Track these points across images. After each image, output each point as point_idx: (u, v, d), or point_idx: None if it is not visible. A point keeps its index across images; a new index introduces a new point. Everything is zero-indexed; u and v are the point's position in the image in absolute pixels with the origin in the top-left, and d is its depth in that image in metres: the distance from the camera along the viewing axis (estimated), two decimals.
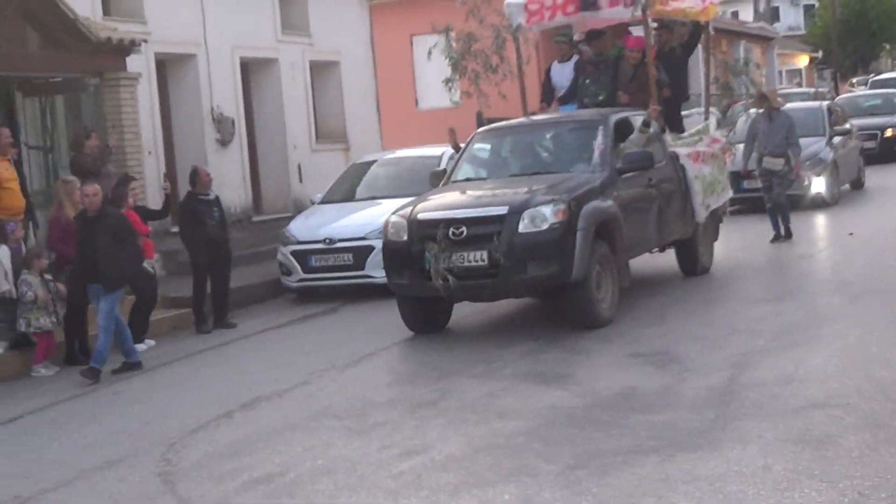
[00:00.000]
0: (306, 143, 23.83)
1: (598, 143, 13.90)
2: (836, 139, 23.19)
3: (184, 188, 17.34)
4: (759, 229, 18.64)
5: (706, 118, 17.62)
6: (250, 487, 8.92)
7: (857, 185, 24.74)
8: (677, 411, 9.75)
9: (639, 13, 15.41)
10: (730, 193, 17.01)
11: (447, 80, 22.23)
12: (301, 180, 23.27)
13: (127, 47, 17.10)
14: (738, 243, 18.01)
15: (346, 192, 19.31)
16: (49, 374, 14.12)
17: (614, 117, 14.50)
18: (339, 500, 8.39)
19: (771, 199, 18.28)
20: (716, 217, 16.36)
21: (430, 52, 23.11)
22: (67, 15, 15.83)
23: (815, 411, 9.31)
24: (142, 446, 10.48)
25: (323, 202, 19.00)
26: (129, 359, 13.73)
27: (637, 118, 14.78)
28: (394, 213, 13.61)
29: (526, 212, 12.40)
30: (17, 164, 15.34)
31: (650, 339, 12.79)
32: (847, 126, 24.80)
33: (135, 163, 17.17)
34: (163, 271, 17.74)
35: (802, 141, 19.80)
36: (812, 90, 43.21)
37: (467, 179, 14.52)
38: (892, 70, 55.15)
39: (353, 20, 25.70)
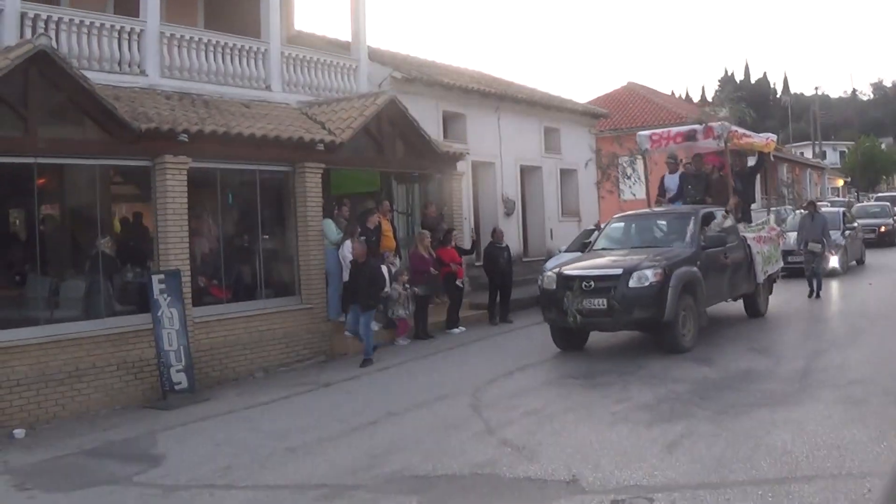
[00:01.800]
0: (555, 216, 23.88)
1: (690, 228, 13.14)
2: (847, 232, 22.65)
3: (485, 239, 17.75)
4: (799, 289, 17.82)
5: (767, 214, 17.08)
6: (525, 416, 9.08)
7: (860, 261, 24.05)
8: (777, 383, 9.83)
9: (722, 145, 14.84)
10: (781, 264, 16.11)
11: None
12: (552, 238, 23.30)
13: (458, 156, 17.53)
14: (784, 297, 17.05)
15: (577, 246, 18.97)
16: (405, 344, 14.55)
17: (702, 211, 13.77)
18: (580, 428, 8.47)
19: (810, 269, 17.38)
20: (771, 279, 15.57)
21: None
22: (424, 137, 16.38)
23: (855, 385, 9.42)
24: (460, 388, 10.74)
25: (565, 251, 18.83)
26: (367, 355, 13.08)
27: (717, 211, 14.11)
28: (549, 270, 13.02)
29: (634, 272, 11.64)
30: (391, 222, 15.97)
31: (757, 340, 12.67)
32: (855, 224, 24.54)
33: (458, 223, 17.49)
34: (469, 287, 17.84)
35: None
36: (846, 199, 45.13)
37: (603, 248, 13.64)
38: (888, 191, 57.70)
39: (584, 145, 25.57)
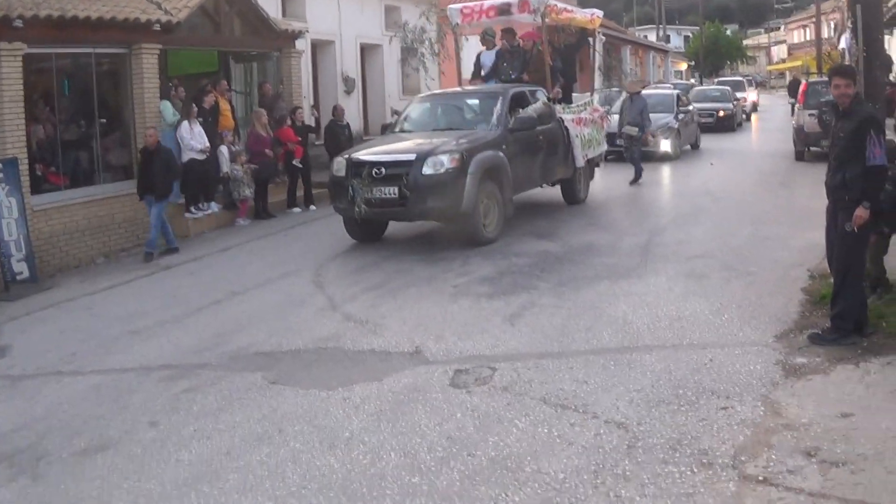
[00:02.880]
0: (396, 94, 23.60)
1: (497, 109, 12.15)
2: (681, 115, 21.82)
3: (326, 117, 17.69)
4: (626, 174, 16.97)
5: (591, 95, 16.21)
6: (367, 291, 9.19)
7: (695, 146, 23.14)
8: (619, 257, 10.07)
9: (539, 20, 13.95)
10: (604, 148, 15.43)
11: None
12: (392, 115, 22.49)
13: (296, 35, 17.27)
14: (610, 182, 16.58)
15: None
16: (246, 224, 14.42)
17: (512, 91, 12.75)
18: (422, 302, 8.53)
19: (629, 154, 16.99)
20: (592, 163, 14.81)
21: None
22: (263, 15, 16.16)
23: (696, 260, 9.70)
24: (302, 265, 10.74)
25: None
26: (171, 245, 12.65)
27: (534, 92, 13.34)
28: (339, 155, 11.90)
29: (429, 158, 10.71)
30: (230, 101, 15.73)
31: (602, 219, 12.94)
32: (690, 107, 23.57)
33: (297, 102, 17.22)
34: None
35: (656, 116, 19.08)
36: (689, 83, 44.05)
37: (402, 132, 12.61)
38: (730, 76, 57.89)
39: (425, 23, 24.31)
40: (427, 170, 10.68)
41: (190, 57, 15.76)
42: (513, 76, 14.17)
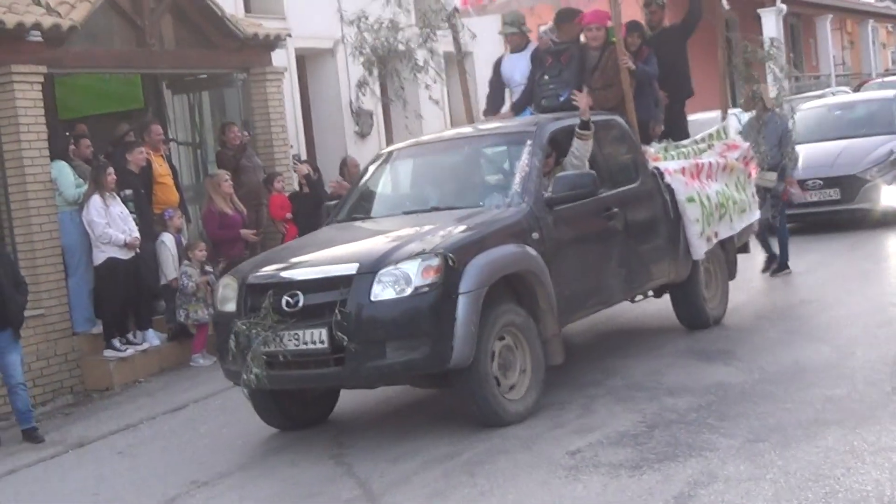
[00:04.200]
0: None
1: (523, 163, 10.95)
2: None
3: (331, 175, 17.79)
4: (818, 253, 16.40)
5: (723, 118, 14.48)
6: (425, 467, 8.93)
7: None
8: (853, 385, 9.63)
9: None
10: (754, 215, 13.78)
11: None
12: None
13: (273, 42, 17.27)
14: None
15: None
16: (207, 363, 14.24)
17: (551, 127, 11.50)
18: (519, 478, 8.32)
19: (763, 221, 14.94)
20: (731, 249, 13.43)
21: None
22: (215, 11, 16.10)
23: None
24: (311, 429, 10.55)
25: None
26: (24, 424, 12.00)
27: (602, 126, 11.85)
28: (229, 273, 11.00)
29: (382, 271, 9.39)
30: (167, 160, 15.78)
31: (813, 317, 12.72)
32: None
33: (281, 155, 17.31)
34: None
35: (866, 143, 18.21)
36: None
37: (352, 217, 11.76)
38: None
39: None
40: (380, 292, 9.40)
41: (95, 87, 16.30)
42: (561, 97, 12.68)
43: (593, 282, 11.33)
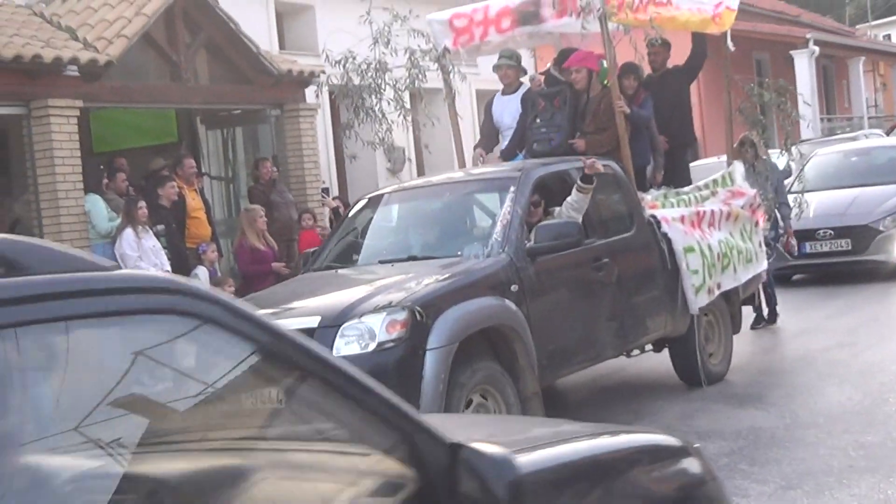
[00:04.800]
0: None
1: (504, 211, 10.48)
2: None
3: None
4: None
5: (728, 164, 14.00)
6: None
7: None
8: (887, 430, 9.55)
9: (595, 26, 12.13)
10: (763, 265, 13.27)
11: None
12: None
13: (307, 79, 17.45)
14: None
15: None
16: None
17: (537, 172, 11.15)
18: None
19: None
20: (735, 301, 12.87)
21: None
22: (250, 48, 16.29)
23: None
24: None
25: None
26: None
27: (602, 164, 11.33)
28: None
29: (346, 325, 8.98)
30: (201, 193, 16.00)
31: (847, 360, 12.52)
32: None
33: (313, 191, 17.42)
34: None
35: (883, 189, 17.72)
36: None
37: (328, 267, 11.40)
38: None
39: None
40: (342, 347, 8.93)
41: (129, 122, 16.48)
42: (552, 142, 12.46)
43: (581, 336, 10.87)
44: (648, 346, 12.13)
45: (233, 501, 3.88)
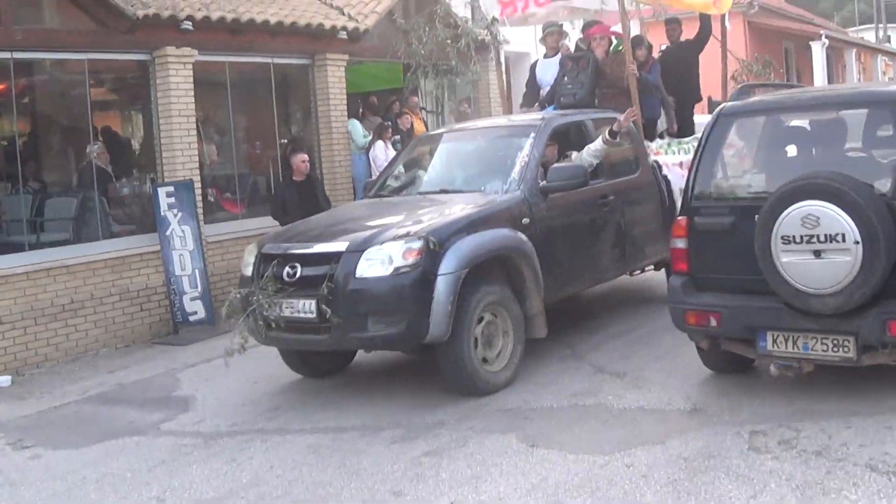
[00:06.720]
0: None
1: (523, 154, 11.07)
2: None
3: None
4: None
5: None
6: (612, 338, 10.77)
7: None
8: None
9: (609, 6, 13.09)
10: None
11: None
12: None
13: (495, 45, 18.80)
14: None
15: None
16: None
17: (556, 122, 11.87)
18: (684, 351, 9.53)
19: None
20: None
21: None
22: (459, 21, 18.80)
23: None
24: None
25: None
26: None
27: (603, 122, 12.26)
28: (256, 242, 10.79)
29: (369, 250, 9.39)
30: (424, 122, 18.84)
31: None
32: None
33: None
34: None
35: None
36: None
37: (377, 195, 11.97)
38: None
39: None
40: (365, 269, 9.43)
41: (371, 72, 19.06)
42: (576, 96, 13.49)
43: (585, 262, 11.46)
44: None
45: None
